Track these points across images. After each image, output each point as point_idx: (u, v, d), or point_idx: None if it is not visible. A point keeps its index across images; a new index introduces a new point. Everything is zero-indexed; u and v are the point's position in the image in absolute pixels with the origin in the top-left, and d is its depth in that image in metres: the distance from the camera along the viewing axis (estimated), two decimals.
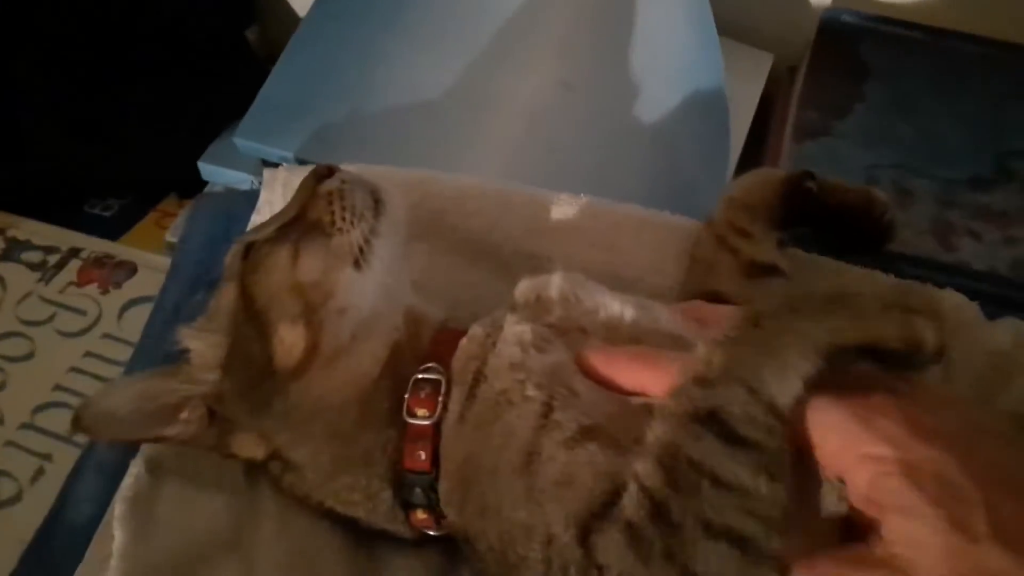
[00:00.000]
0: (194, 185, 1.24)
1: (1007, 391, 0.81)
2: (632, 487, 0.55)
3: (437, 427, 0.67)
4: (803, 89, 1.13)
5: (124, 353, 1.04)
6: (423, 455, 0.67)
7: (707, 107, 1.09)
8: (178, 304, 0.93)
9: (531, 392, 0.64)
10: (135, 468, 0.76)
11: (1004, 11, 1.18)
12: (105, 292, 1.13)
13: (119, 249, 1.19)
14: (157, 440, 0.72)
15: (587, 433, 0.61)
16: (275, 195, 0.95)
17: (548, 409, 0.63)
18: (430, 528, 0.70)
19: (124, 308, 1.12)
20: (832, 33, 1.18)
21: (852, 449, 0.51)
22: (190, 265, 0.97)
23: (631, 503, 0.55)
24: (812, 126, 1.09)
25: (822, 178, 0.84)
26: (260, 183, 0.97)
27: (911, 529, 0.49)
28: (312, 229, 0.71)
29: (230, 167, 1.18)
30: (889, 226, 0.86)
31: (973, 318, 0.84)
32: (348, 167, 0.78)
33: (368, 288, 0.71)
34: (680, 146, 1.06)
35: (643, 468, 0.55)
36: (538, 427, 0.62)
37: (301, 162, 1.05)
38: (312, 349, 0.68)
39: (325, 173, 0.75)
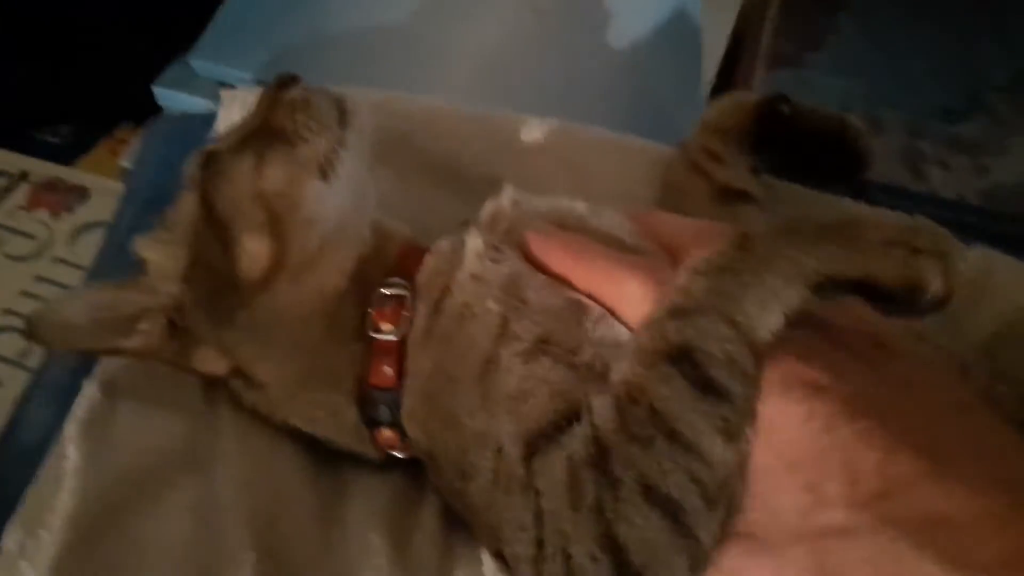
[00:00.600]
0: (149, 111, 1.20)
1: (974, 316, 0.81)
2: (585, 420, 0.54)
3: (403, 342, 0.66)
4: (777, 18, 1.12)
5: (76, 277, 1.02)
6: (389, 371, 0.66)
7: (680, 33, 1.07)
8: (132, 227, 0.90)
9: (491, 305, 0.63)
10: (88, 389, 0.74)
11: None
12: (56, 216, 1.10)
13: (70, 173, 1.16)
14: (115, 352, 0.70)
15: (541, 344, 0.60)
16: (234, 116, 0.92)
17: (505, 321, 0.62)
18: (395, 447, 0.69)
19: (77, 232, 1.09)
20: None
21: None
22: (145, 187, 0.94)
23: (578, 439, 0.53)
24: (785, 55, 1.08)
25: (796, 102, 0.82)
26: (218, 107, 0.94)
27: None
28: (276, 138, 0.69)
29: (186, 91, 1.14)
30: (864, 153, 0.84)
31: None
32: None
33: (335, 199, 0.69)
34: (651, 71, 1.05)
35: (599, 405, 0.53)
36: (497, 337, 0.61)
37: (261, 84, 1.02)
38: (277, 260, 0.66)
39: (288, 81, 0.72)
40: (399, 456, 0.70)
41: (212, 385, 0.75)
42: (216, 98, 1.10)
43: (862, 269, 0.51)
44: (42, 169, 1.14)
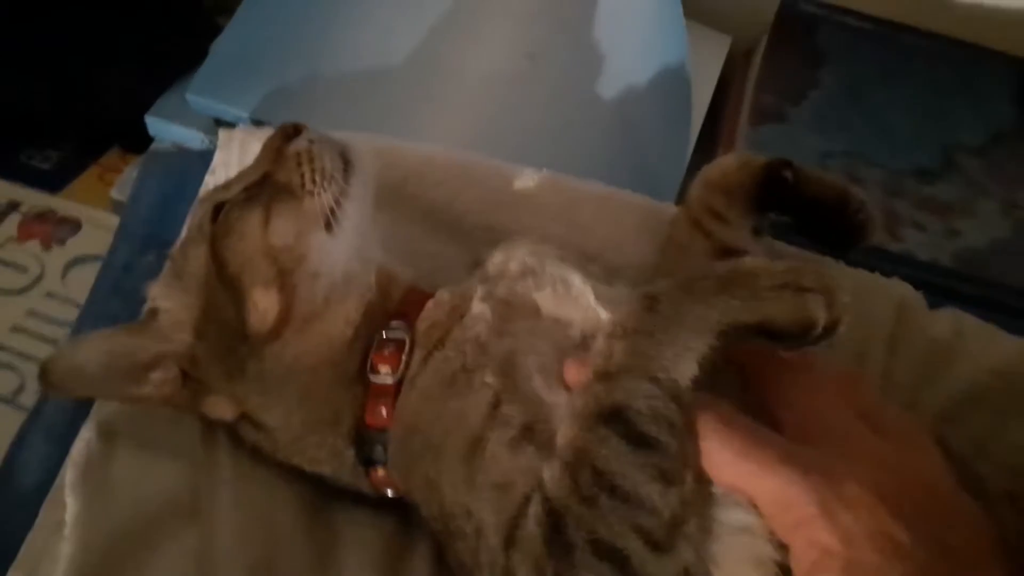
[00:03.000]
0: (139, 139, 1.20)
1: (944, 377, 0.84)
2: (535, 499, 0.57)
3: (399, 385, 0.68)
4: (760, 73, 1.15)
5: (68, 312, 1.01)
6: (384, 412, 0.68)
7: (670, 87, 1.10)
8: (128, 264, 0.91)
9: (489, 379, 0.65)
10: (86, 433, 0.75)
11: (952, 7, 1.21)
12: (48, 249, 1.09)
13: (62, 204, 1.15)
14: (128, 400, 0.71)
15: (527, 432, 0.62)
16: (231, 156, 0.93)
17: (498, 401, 0.64)
18: (389, 486, 0.71)
19: (68, 266, 1.08)
20: (790, 19, 1.20)
21: (805, 531, 0.53)
22: (141, 224, 0.95)
23: (534, 518, 0.56)
24: (768, 110, 1.11)
25: (800, 167, 0.83)
26: (211, 141, 0.95)
27: None
28: (281, 191, 0.70)
29: (179, 123, 1.14)
30: (863, 224, 0.85)
31: (918, 306, 0.88)
32: None
33: (340, 250, 0.70)
34: (641, 124, 1.07)
35: (549, 475, 0.57)
36: (488, 417, 0.63)
37: (257, 122, 1.03)
38: (286, 313, 0.68)
39: (292, 132, 0.74)
40: (393, 495, 0.71)
41: (210, 429, 0.76)
42: (209, 131, 1.11)
43: (759, 315, 0.56)
44: (32, 199, 1.14)
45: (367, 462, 0.70)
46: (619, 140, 1.05)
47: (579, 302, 0.69)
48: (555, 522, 0.55)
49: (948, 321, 0.87)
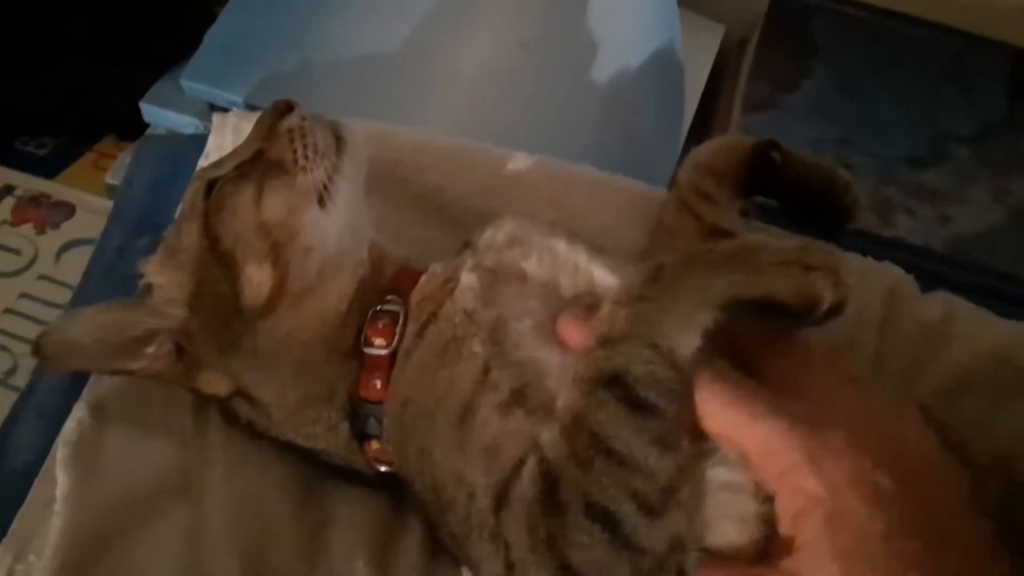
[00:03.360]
0: (134, 126, 1.20)
1: (935, 362, 0.84)
2: (531, 460, 0.58)
3: (393, 357, 0.68)
4: (753, 62, 1.16)
5: (62, 295, 1.02)
6: (379, 384, 0.68)
7: (663, 75, 1.10)
8: (121, 248, 0.92)
9: (477, 348, 0.65)
10: (78, 412, 0.75)
11: None
12: (42, 232, 1.09)
13: (56, 188, 1.15)
14: (122, 373, 0.71)
15: (517, 396, 0.62)
16: (225, 140, 0.93)
17: (487, 367, 0.64)
18: (384, 460, 0.71)
19: (62, 249, 1.08)
20: (783, 9, 1.21)
21: (790, 479, 0.54)
22: (134, 208, 0.95)
23: (529, 478, 0.57)
24: (760, 99, 1.11)
25: (787, 150, 0.84)
26: (205, 127, 0.96)
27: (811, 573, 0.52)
28: (274, 167, 0.71)
29: (174, 109, 1.14)
30: (850, 206, 0.87)
31: (909, 291, 0.88)
32: None
33: (333, 225, 0.71)
34: (635, 111, 1.07)
35: (548, 438, 0.57)
36: (478, 383, 0.63)
37: (250, 107, 1.03)
38: (279, 287, 0.68)
39: (284, 109, 0.74)
40: (387, 471, 0.72)
41: (202, 409, 0.77)
42: (203, 117, 1.11)
43: (762, 289, 0.56)
44: (27, 183, 1.14)
45: (361, 436, 0.70)
46: (612, 127, 1.06)
47: (566, 265, 0.70)
48: (550, 483, 0.55)
49: (939, 305, 0.87)
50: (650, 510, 0.54)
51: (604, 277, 0.69)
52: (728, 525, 0.58)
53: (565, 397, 0.58)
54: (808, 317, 0.57)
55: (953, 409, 0.81)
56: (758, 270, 0.57)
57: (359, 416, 0.70)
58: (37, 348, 0.66)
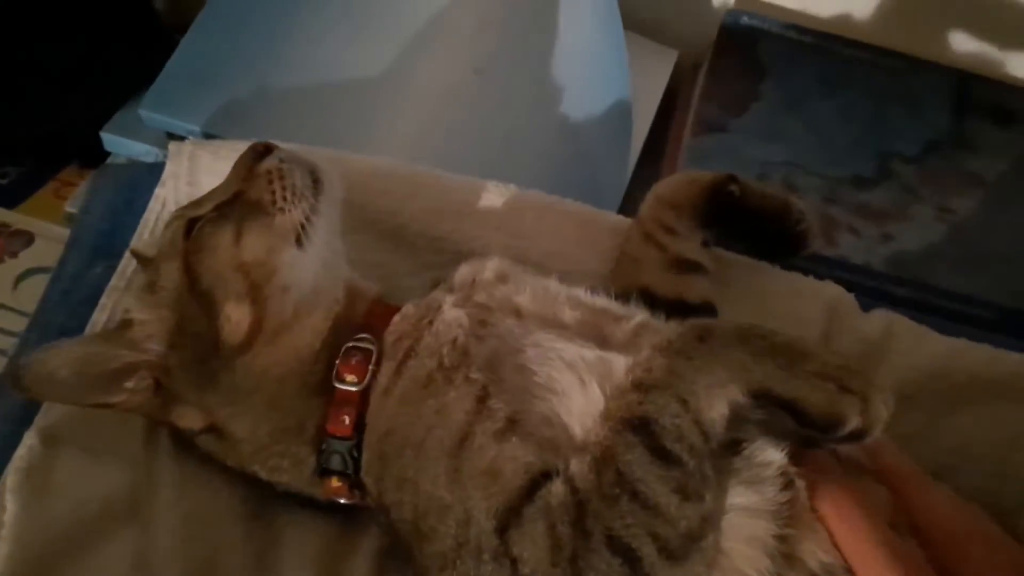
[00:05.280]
0: (96, 155, 1.21)
1: (877, 377, 0.86)
2: (560, 485, 0.60)
3: (365, 395, 0.70)
4: (704, 86, 1.18)
5: (19, 323, 1.02)
6: (347, 420, 0.69)
7: (611, 100, 1.12)
8: (77, 274, 0.92)
9: (475, 375, 0.67)
10: (28, 439, 0.76)
11: (890, 20, 1.24)
12: (0, 261, 1.10)
13: (16, 218, 1.16)
14: (101, 407, 0.72)
15: (512, 424, 0.64)
16: (181, 168, 0.94)
17: (485, 394, 0.66)
18: (342, 496, 0.72)
19: (20, 278, 1.09)
20: (733, 33, 1.23)
21: None
22: (91, 235, 0.96)
23: (558, 502, 0.59)
24: (711, 122, 1.14)
25: (745, 182, 0.87)
26: (164, 156, 0.97)
27: None
28: (253, 208, 0.72)
29: (134, 138, 1.16)
30: (804, 234, 0.89)
31: (850, 308, 0.90)
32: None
33: (310, 265, 0.72)
34: (584, 135, 1.09)
35: (578, 468, 0.60)
36: (474, 412, 0.65)
37: (208, 136, 1.04)
38: (257, 325, 0.70)
39: (263, 151, 0.76)
40: (345, 503, 0.73)
41: (153, 434, 0.78)
42: (163, 146, 1.12)
43: (795, 393, 0.59)
44: None
45: (323, 472, 0.71)
46: (563, 151, 1.08)
47: (559, 298, 0.73)
48: (579, 509, 0.58)
49: (880, 322, 0.89)
50: (670, 554, 0.57)
51: (615, 307, 0.74)
52: (742, 546, 0.60)
53: (595, 431, 0.61)
54: (828, 434, 0.60)
55: (892, 424, 0.83)
56: (796, 374, 0.59)
57: (324, 452, 0.71)
58: (16, 379, 0.67)
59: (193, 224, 0.72)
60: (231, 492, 0.76)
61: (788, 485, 0.62)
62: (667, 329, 0.66)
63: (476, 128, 1.07)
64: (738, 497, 0.61)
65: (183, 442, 0.76)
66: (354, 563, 0.76)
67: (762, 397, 0.59)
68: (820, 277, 0.92)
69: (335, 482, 0.71)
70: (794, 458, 0.63)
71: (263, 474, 0.73)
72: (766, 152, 1.11)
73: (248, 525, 0.76)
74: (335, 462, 0.70)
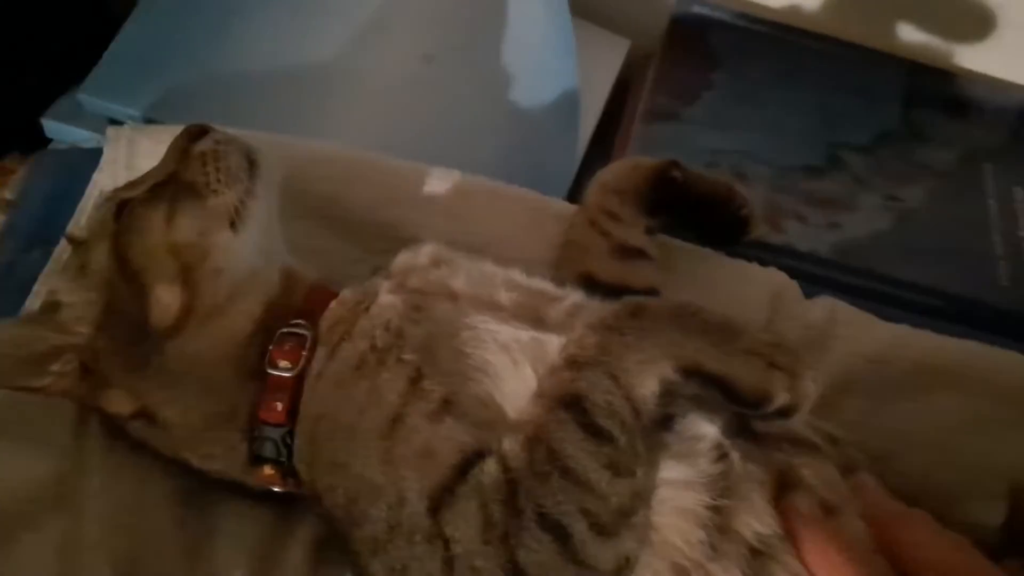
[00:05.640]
0: (39, 142, 1.19)
1: (820, 364, 0.87)
2: (492, 464, 0.59)
3: (298, 380, 0.69)
4: (655, 75, 1.18)
5: None
6: (279, 406, 0.69)
7: (559, 88, 1.12)
8: (12, 262, 0.90)
9: (407, 356, 0.66)
10: None
11: (842, 11, 1.25)
12: None
13: None
14: (25, 390, 0.70)
15: (446, 405, 0.64)
16: (119, 153, 0.93)
17: (419, 376, 0.65)
18: (275, 484, 0.71)
19: None
20: (684, 22, 1.23)
21: None
22: (27, 222, 0.94)
23: (490, 480, 0.59)
24: (662, 110, 1.13)
25: (687, 168, 0.87)
26: (103, 142, 0.95)
27: None
28: (187, 190, 0.71)
29: (75, 125, 1.13)
30: (747, 220, 0.90)
31: (793, 295, 0.90)
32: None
33: (244, 248, 0.71)
34: (531, 123, 1.09)
35: (510, 447, 0.60)
36: (407, 393, 0.64)
37: (149, 122, 1.03)
38: (188, 308, 0.68)
39: (198, 133, 0.75)
40: (279, 491, 0.72)
41: (83, 421, 0.76)
42: (104, 132, 1.10)
43: (724, 369, 0.60)
44: None
45: (256, 459, 0.70)
46: (510, 138, 1.07)
47: (495, 280, 0.73)
48: (511, 488, 0.58)
49: (823, 309, 0.90)
50: (601, 530, 0.57)
51: (551, 289, 0.73)
52: (676, 519, 0.60)
53: (528, 409, 0.61)
54: (757, 410, 0.60)
55: (835, 410, 0.83)
56: (729, 351, 0.60)
57: (256, 438, 0.70)
58: None
59: (124, 206, 0.71)
60: (164, 480, 0.75)
61: (721, 458, 0.62)
62: (601, 308, 0.66)
63: (426, 116, 1.06)
64: (670, 471, 0.61)
65: (115, 429, 0.74)
66: (290, 552, 0.75)
67: (693, 374, 0.60)
68: (766, 264, 0.92)
69: (268, 470, 0.70)
70: (727, 431, 0.63)
71: (195, 461, 0.72)
72: (717, 141, 1.11)
73: (181, 513, 0.74)
74: (267, 449, 0.69)
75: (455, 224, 0.91)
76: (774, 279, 0.91)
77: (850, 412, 0.84)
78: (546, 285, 0.74)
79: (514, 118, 1.07)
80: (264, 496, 0.74)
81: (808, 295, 0.91)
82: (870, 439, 0.76)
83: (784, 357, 0.60)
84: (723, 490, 0.61)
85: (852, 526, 0.63)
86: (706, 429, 0.63)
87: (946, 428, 0.84)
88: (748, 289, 0.89)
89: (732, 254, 0.93)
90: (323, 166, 0.92)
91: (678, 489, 0.61)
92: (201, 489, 0.75)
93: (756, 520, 0.61)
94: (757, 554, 0.60)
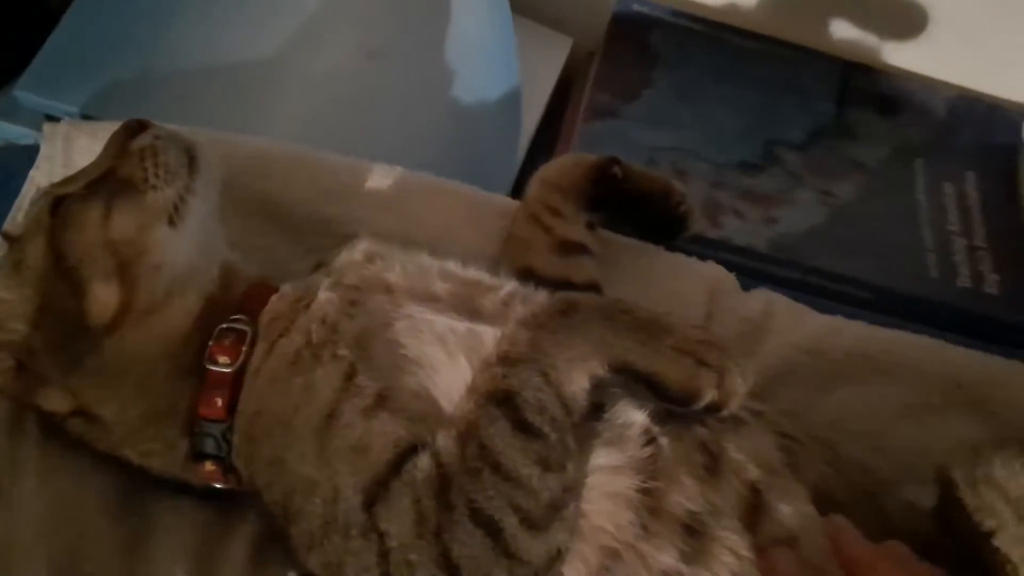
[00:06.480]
0: None
1: (756, 355, 0.89)
2: (426, 459, 0.60)
3: (238, 376, 0.69)
4: (597, 72, 1.19)
5: None
6: (219, 402, 0.69)
7: (501, 86, 1.12)
8: None
9: (342, 351, 0.66)
10: None
11: (779, 11, 1.27)
12: None
13: None
14: None
15: (381, 400, 0.64)
16: (56, 150, 0.92)
17: (353, 371, 0.65)
18: (217, 481, 0.71)
19: None
20: (625, 21, 1.24)
21: None
22: None
23: (423, 476, 0.59)
24: (603, 108, 1.15)
25: (627, 165, 0.89)
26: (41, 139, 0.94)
27: None
28: (124, 186, 0.70)
29: (12, 121, 1.11)
30: (684, 215, 0.92)
31: (730, 287, 0.92)
32: None
33: (183, 245, 0.71)
34: (475, 120, 1.09)
35: (443, 443, 0.60)
36: (341, 389, 0.65)
37: (87, 119, 1.01)
38: (126, 305, 0.68)
39: (136, 128, 0.74)
40: (218, 487, 0.72)
41: (18, 420, 0.75)
42: (41, 128, 1.08)
43: (653, 367, 0.62)
44: None
45: (197, 456, 0.70)
46: (454, 135, 1.08)
47: (431, 271, 0.73)
48: (442, 483, 0.58)
49: (759, 301, 0.92)
50: (531, 524, 0.58)
51: (486, 278, 0.74)
52: (606, 502, 0.62)
53: (461, 405, 0.62)
54: (686, 406, 0.62)
55: (774, 399, 0.85)
56: (658, 349, 0.62)
57: (197, 435, 0.70)
58: None
59: (60, 202, 0.70)
60: (102, 479, 0.74)
61: (650, 442, 0.63)
62: (536, 298, 0.67)
63: (369, 113, 1.06)
64: (600, 458, 0.63)
65: (51, 428, 0.74)
66: (232, 550, 0.75)
67: (623, 371, 0.61)
68: (704, 258, 0.94)
69: (209, 466, 0.70)
70: (655, 416, 0.65)
71: (134, 458, 0.71)
72: (656, 137, 1.12)
73: (119, 512, 0.74)
74: (208, 445, 0.69)
75: (397, 220, 0.91)
76: (712, 272, 0.92)
77: (788, 402, 0.86)
78: (481, 275, 0.75)
79: (457, 115, 1.08)
80: (205, 494, 0.74)
81: (745, 288, 0.93)
82: (810, 429, 0.78)
83: (712, 354, 0.62)
84: (652, 473, 0.62)
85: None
86: (635, 416, 0.64)
87: (880, 416, 0.87)
88: (686, 282, 0.91)
89: (671, 249, 0.94)
90: (264, 163, 0.92)
91: (608, 474, 0.62)
92: (140, 487, 0.75)
93: (687, 499, 0.62)
94: (692, 531, 0.62)
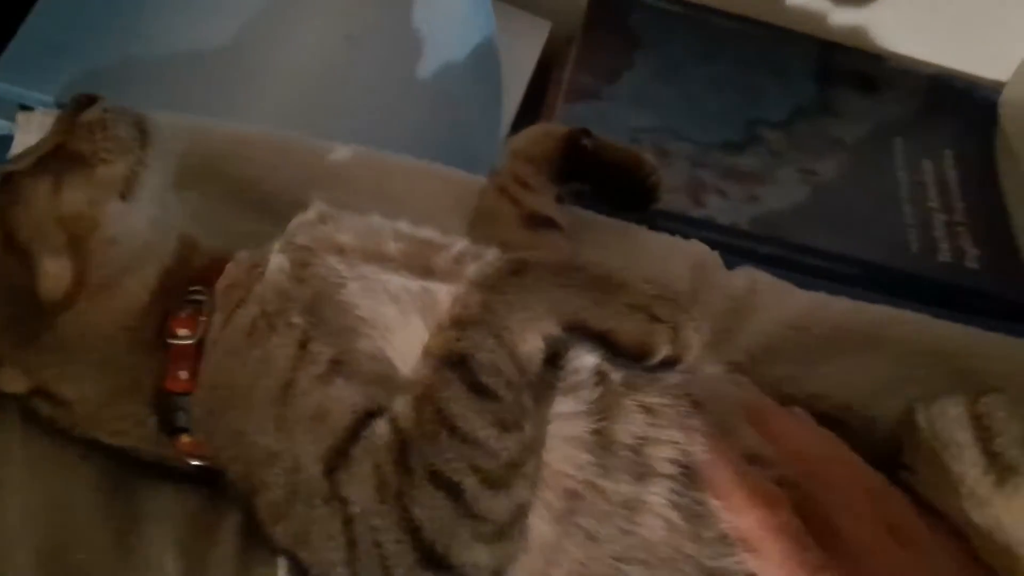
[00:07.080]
0: None
1: (742, 331, 0.89)
2: (383, 424, 0.60)
3: (199, 347, 0.68)
4: (577, 54, 1.19)
5: None
6: (185, 375, 0.68)
7: (481, 68, 1.12)
8: None
9: (295, 319, 0.66)
10: None
11: None
12: None
13: None
14: None
15: (336, 366, 0.64)
16: (31, 139, 0.89)
17: (306, 339, 0.65)
18: (196, 454, 0.70)
19: None
20: (604, 3, 1.24)
21: None
22: None
23: (382, 441, 0.59)
24: (584, 89, 1.15)
25: (598, 136, 0.89)
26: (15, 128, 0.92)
27: None
28: (74, 160, 0.70)
29: None
30: (655, 187, 0.92)
31: (714, 265, 0.92)
32: None
33: (136, 218, 0.70)
34: (456, 103, 1.09)
35: (401, 408, 0.60)
36: (296, 357, 0.64)
37: (61, 107, 1.00)
38: (79, 280, 0.67)
39: (85, 102, 0.73)
40: (203, 464, 0.71)
41: (1, 407, 0.74)
42: (15, 119, 1.07)
43: (606, 325, 0.61)
44: None
45: (172, 430, 0.69)
46: (435, 118, 1.07)
47: (383, 232, 0.72)
48: (401, 448, 0.58)
49: (743, 279, 0.92)
50: (492, 484, 0.57)
51: (437, 237, 0.73)
52: (565, 446, 0.61)
53: (416, 369, 0.61)
54: (641, 362, 0.61)
55: (760, 377, 0.85)
56: (608, 305, 0.61)
57: (167, 409, 0.69)
58: None
59: (9, 179, 0.69)
60: (88, 467, 0.73)
61: (601, 381, 0.63)
62: (488, 256, 0.67)
63: (349, 96, 1.06)
64: (557, 406, 0.62)
65: (36, 418, 0.72)
66: (220, 536, 0.74)
67: (576, 329, 0.61)
68: (688, 237, 0.94)
69: (185, 438, 0.69)
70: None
71: (105, 438, 0.71)
72: (638, 118, 1.12)
73: (106, 501, 0.73)
74: (181, 419, 0.69)
75: (377, 203, 0.88)
76: (695, 250, 0.92)
77: (775, 380, 0.86)
78: (432, 234, 0.74)
79: (437, 98, 1.08)
80: (195, 478, 0.73)
81: (729, 266, 0.93)
82: (794, 404, 0.78)
83: (665, 310, 0.61)
84: (603, 410, 0.62)
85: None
86: (588, 361, 0.63)
87: (867, 389, 0.87)
88: (670, 261, 0.91)
89: (654, 228, 0.94)
90: (247, 149, 0.91)
91: (565, 420, 0.62)
92: (126, 474, 0.74)
93: (631, 424, 0.62)
94: (637, 451, 0.62)
